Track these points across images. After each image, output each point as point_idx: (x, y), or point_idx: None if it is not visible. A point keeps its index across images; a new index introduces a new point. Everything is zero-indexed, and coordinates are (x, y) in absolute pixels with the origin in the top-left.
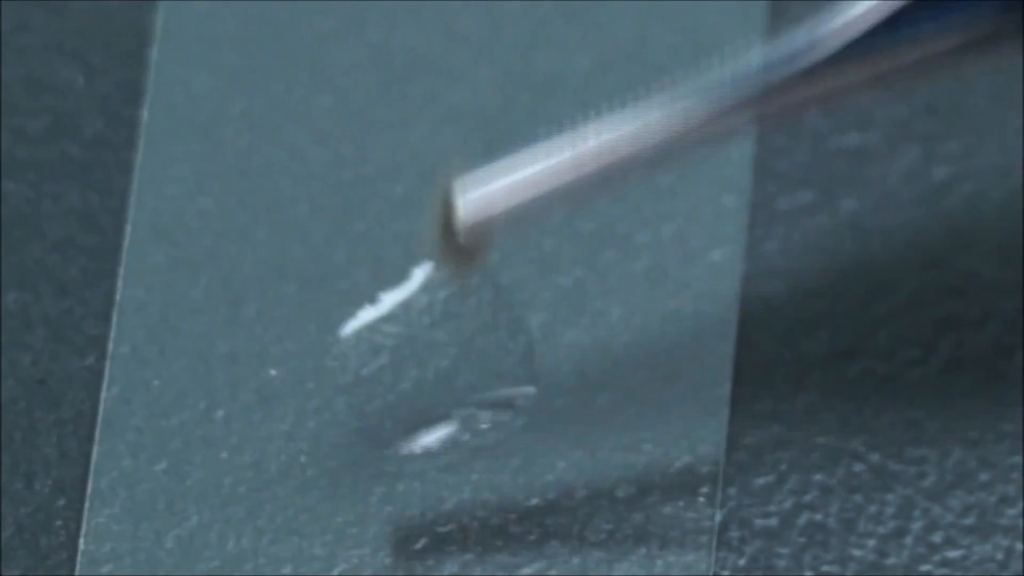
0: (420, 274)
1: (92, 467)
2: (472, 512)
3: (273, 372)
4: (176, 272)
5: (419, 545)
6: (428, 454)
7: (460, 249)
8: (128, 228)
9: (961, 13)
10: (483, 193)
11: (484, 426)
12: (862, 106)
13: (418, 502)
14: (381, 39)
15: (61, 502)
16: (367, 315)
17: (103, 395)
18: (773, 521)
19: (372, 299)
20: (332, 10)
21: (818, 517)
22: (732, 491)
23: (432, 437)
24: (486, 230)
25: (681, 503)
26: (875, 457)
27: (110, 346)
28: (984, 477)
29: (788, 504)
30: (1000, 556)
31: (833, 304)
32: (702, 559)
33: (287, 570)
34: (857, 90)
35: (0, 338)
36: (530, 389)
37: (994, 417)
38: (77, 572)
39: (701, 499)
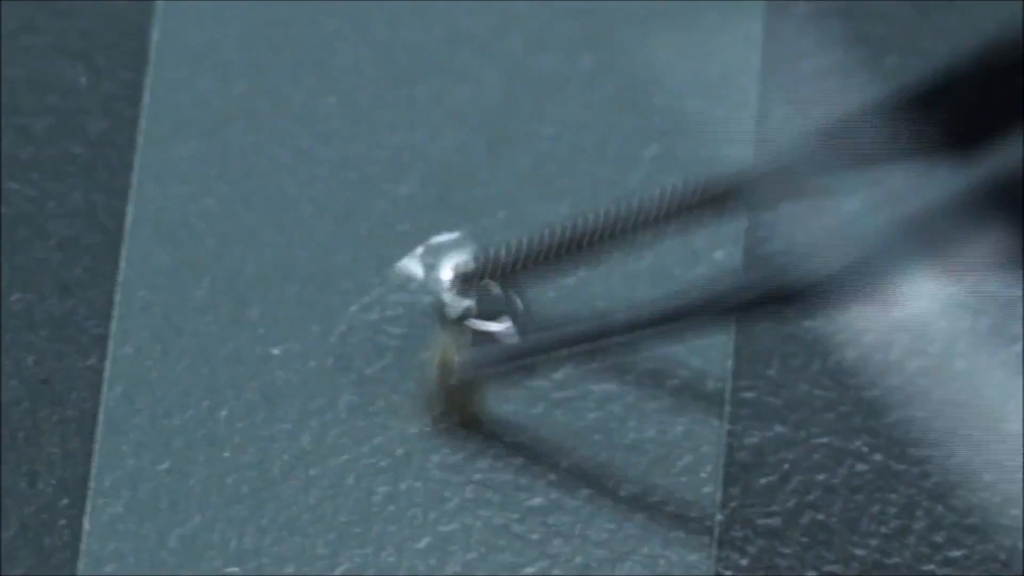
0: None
1: (95, 466)
2: (475, 511)
3: (276, 352)
4: (180, 272)
5: (422, 544)
6: (430, 453)
7: (458, 400)
8: (131, 228)
9: None
10: (478, 359)
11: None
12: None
13: (421, 501)
14: (386, 40)
15: (64, 501)
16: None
17: (106, 395)
18: (776, 521)
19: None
20: (337, 11)
21: (821, 517)
22: (735, 491)
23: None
24: (481, 387)
25: (683, 503)
26: (878, 457)
27: (113, 346)
28: (987, 477)
29: (791, 504)
30: (1003, 556)
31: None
32: (704, 558)
33: (290, 569)
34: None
35: (3, 338)
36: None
37: (997, 417)
38: (80, 571)
39: (703, 499)
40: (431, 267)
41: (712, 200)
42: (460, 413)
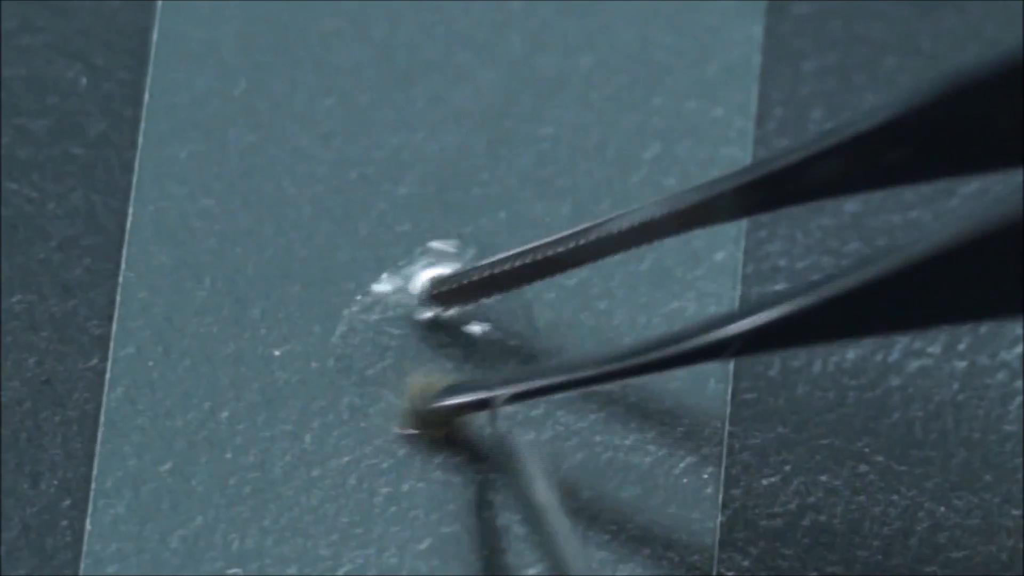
0: (422, 256)
1: (97, 468)
2: (477, 513)
3: (277, 352)
4: (180, 273)
5: (424, 545)
6: (432, 454)
7: (431, 423)
8: (131, 228)
9: None
10: (450, 401)
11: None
12: (865, 107)
13: (423, 503)
14: (385, 39)
15: (66, 502)
16: (379, 288)
17: (108, 396)
18: (778, 522)
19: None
20: (335, 10)
21: (823, 518)
22: (737, 492)
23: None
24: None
25: (685, 504)
26: (880, 458)
27: (114, 347)
28: (988, 478)
29: (793, 505)
30: (1004, 557)
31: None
32: (706, 560)
33: (292, 570)
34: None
35: (5, 339)
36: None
37: (997, 417)
38: (82, 572)
39: (705, 500)
40: (406, 279)
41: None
42: (439, 432)
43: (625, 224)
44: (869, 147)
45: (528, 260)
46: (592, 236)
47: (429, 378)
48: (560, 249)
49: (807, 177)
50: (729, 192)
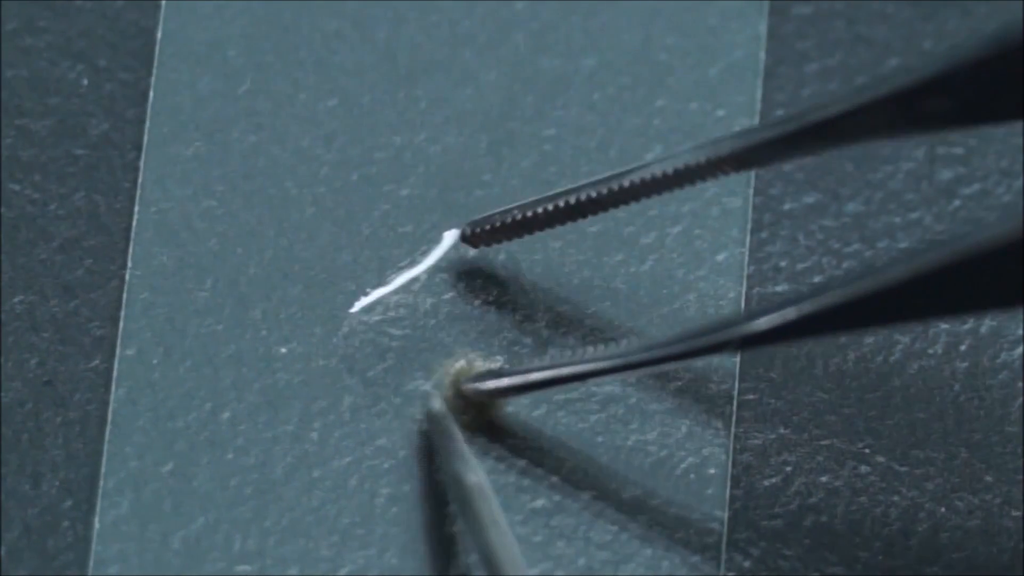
0: (433, 253)
1: (100, 469)
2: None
3: (284, 350)
4: (182, 274)
5: (426, 546)
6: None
7: (469, 405)
8: (134, 229)
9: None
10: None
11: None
12: None
13: (424, 503)
14: (387, 40)
15: (68, 503)
16: (377, 293)
17: (110, 396)
18: (779, 523)
19: (381, 278)
20: (338, 11)
21: (824, 519)
22: (738, 493)
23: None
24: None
25: (687, 505)
26: (881, 459)
27: (117, 347)
28: (989, 479)
29: (794, 506)
30: (1005, 558)
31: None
32: (708, 560)
33: (294, 571)
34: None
35: (6, 339)
36: None
37: (998, 419)
38: (85, 572)
39: (707, 501)
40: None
41: (713, 164)
42: (473, 418)
43: (662, 169)
44: (909, 100)
45: (565, 201)
46: (629, 179)
47: (467, 361)
48: (598, 191)
49: (845, 127)
50: (768, 140)
